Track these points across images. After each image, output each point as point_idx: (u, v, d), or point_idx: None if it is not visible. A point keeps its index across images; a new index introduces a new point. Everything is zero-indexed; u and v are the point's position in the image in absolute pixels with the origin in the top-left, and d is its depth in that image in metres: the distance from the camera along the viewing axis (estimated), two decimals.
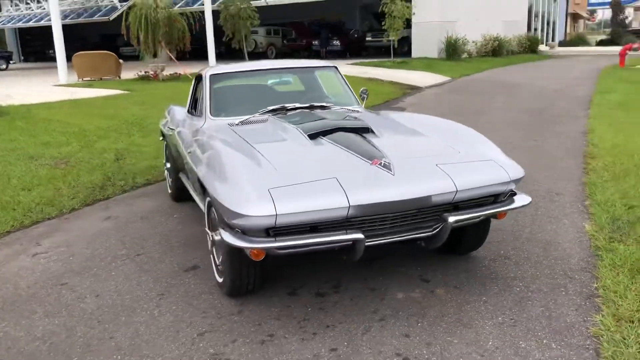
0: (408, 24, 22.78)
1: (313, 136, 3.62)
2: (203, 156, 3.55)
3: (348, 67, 20.22)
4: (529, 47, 28.29)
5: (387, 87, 15.46)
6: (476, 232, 3.68)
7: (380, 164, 3.14)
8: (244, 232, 2.94)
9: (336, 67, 5.01)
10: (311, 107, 4.46)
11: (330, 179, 2.99)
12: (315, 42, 29.64)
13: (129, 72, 18.86)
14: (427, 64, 21.48)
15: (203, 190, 3.61)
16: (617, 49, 30.33)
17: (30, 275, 3.93)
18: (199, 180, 3.56)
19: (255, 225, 2.83)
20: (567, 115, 10.15)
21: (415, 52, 24.02)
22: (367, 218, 3.00)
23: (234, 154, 3.35)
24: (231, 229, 2.99)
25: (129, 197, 5.86)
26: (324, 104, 4.53)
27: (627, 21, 40.48)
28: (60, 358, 2.87)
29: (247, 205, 2.82)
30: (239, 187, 2.95)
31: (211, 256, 3.63)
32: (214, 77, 4.62)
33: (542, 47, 30.33)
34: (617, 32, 38.47)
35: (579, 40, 36.51)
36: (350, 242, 2.93)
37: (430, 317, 3.10)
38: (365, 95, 5.05)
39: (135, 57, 23.00)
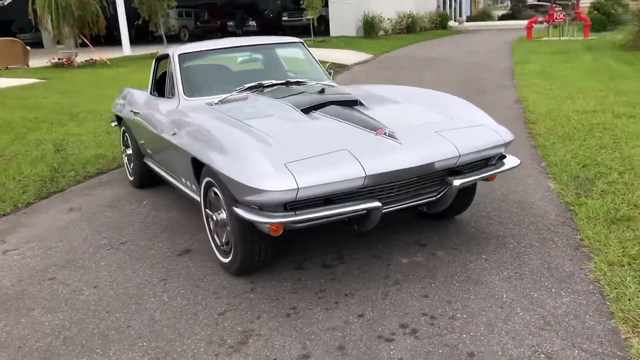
0: (325, 2, 22.87)
1: (306, 110, 3.62)
2: (196, 135, 3.46)
3: None
4: (440, 23, 29.22)
5: None
6: (465, 196, 3.83)
7: (385, 133, 3.20)
8: (260, 208, 2.91)
9: (302, 43, 5.00)
10: (287, 83, 4.43)
11: (341, 150, 3.02)
12: (231, 23, 29.17)
13: (36, 60, 17.78)
14: (347, 42, 21.71)
15: (196, 171, 3.53)
16: (519, 22, 32.02)
17: (9, 273, 3.70)
18: (193, 160, 3.47)
19: (276, 200, 2.82)
20: (496, 85, 10.64)
21: (334, 31, 24.19)
22: (378, 187, 3.06)
23: (233, 129, 3.31)
24: (245, 206, 2.96)
25: (85, 187, 5.61)
26: (299, 80, 4.52)
27: None
28: (81, 351, 2.75)
29: (267, 180, 2.79)
30: (253, 162, 2.91)
31: (211, 237, 3.57)
32: (183, 57, 4.48)
33: (452, 23, 31.41)
34: (517, 7, 40.50)
35: (484, 15, 38.13)
36: (366, 212, 2.97)
37: (441, 278, 3.22)
38: (331, 71, 5.08)
39: (33, 45, 21.68)
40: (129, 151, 5.40)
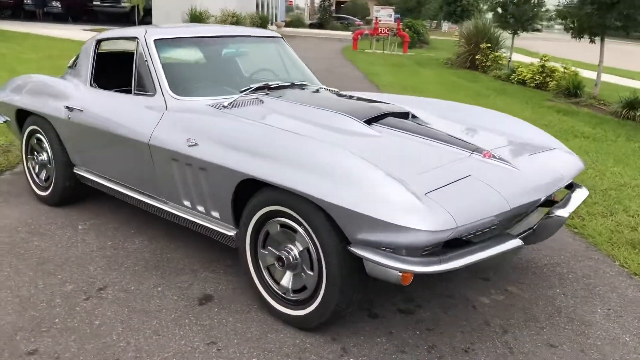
0: None
1: (367, 122, 3.03)
2: (256, 150, 2.65)
3: (86, 34, 18.05)
4: (261, 25, 29.01)
5: None
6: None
7: (493, 156, 2.76)
8: (394, 251, 2.29)
9: (283, 38, 4.29)
10: (293, 85, 3.74)
11: (466, 177, 2.52)
12: (29, 1, 25.60)
13: None
14: None
15: (235, 197, 2.74)
16: (331, 32, 33.37)
17: None
18: (240, 182, 2.66)
19: (423, 242, 2.23)
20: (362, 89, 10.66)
21: (157, 22, 22.54)
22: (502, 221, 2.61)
23: (328, 145, 2.58)
24: (367, 246, 2.31)
25: None
26: (303, 82, 3.85)
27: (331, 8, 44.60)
28: None
29: (415, 216, 2.19)
30: (387, 191, 2.27)
31: (263, 282, 2.79)
32: (160, 44, 3.51)
33: (270, 27, 31.39)
34: (325, 18, 42.21)
35: (298, 22, 38.97)
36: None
37: (542, 320, 2.89)
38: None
39: None
40: (43, 158, 4.15)
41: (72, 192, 4.10)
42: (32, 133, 4.22)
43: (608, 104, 9.19)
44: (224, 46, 3.95)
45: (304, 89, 3.74)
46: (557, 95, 10.45)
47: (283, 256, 2.61)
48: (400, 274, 2.26)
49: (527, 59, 15.52)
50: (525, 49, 16.17)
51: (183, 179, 3.03)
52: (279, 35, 4.24)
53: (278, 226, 2.65)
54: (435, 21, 44.06)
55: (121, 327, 2.67)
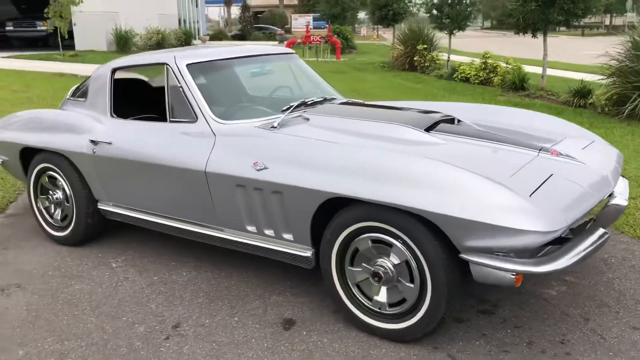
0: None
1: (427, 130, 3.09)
2: (341, 169, 2.64)
3: (9, 62, 17.24)
4: (185, 41, 28.54)
5: None
6: None
7: (559, 154, 2.89)
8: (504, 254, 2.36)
9: (296, 54, 4.29)
10: (324, 101, 3.75)
11: (551, 176, 2.63)
12: None
13: None
14: (105, 57, 19.63)
15: (319, 216, 2.73)
16: (265, 43, 33.32)
17: None
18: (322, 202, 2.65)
19: (536, 243, 2.30)
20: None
21: (80, 45, 21.74)
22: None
23: (417, 157, 2.61)
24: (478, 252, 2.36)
25: None
26: (332, 97, 3.86)
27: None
28: None
29: (527, 218, 2.27)
30: (496, 195, 2.34)
31: (353, 299, 2.79)
32: (192, 68, 3.42)
33: (195, 42, 30.97)
34: (246, 29, 42.07)
35: (220, 35, 38.60)
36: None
37: (612, 303, 3.04)
38: None
39: None
40: (58, 197, 3.94)
41: (95, 229, 3.92)
42: (43, 171, 3.99)
43: (557, 95, 9.70)
44: (250, 66, 3.90)
45: (333, 102, 3.75)
46: (504, 90, 10.92)
47: (380, 271, 2.61)
48: (514, 276, 2.32)
49: (459, 58, 16.08)
50: (453, 49, 16.65)
51: (249, 205, 2.96)
52: (293, 51, 4.22)
53: (369, 242, 2.65)
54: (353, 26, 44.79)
55: None
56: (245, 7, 42.66)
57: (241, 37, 40.88)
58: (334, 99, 3.85)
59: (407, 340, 2.67)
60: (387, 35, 53.75)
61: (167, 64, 3.42)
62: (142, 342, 2.76)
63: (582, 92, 8.89)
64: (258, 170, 2.87)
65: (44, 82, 13.30)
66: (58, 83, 13.40)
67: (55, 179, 3.94)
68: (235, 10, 51.49)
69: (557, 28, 9.87)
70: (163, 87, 3.43)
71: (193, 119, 3.27)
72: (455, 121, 3.38)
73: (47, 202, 4.02)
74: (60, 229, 4.00)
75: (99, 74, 3.85)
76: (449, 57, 14.50)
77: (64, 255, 3.84)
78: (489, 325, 2.83)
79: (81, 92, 4.06)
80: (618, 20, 58.65)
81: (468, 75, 12.63)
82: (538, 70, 12.01)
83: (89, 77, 4.02)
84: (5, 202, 4.93)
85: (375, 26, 61.31)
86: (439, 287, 2.48)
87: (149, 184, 3.42)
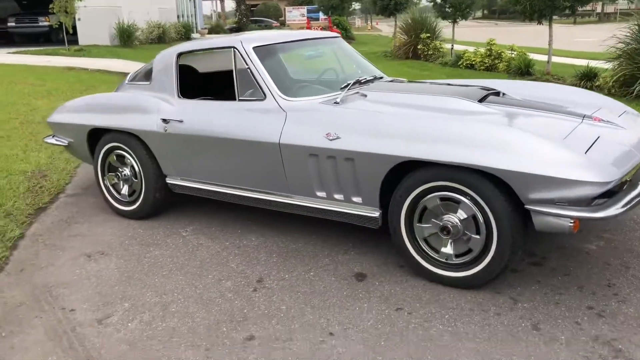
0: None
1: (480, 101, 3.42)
2: (411, 135, 2.96)
3: (16, 57, 17.42)
4: (185, 34, 28.72)
5: (103, 77, 13.88)
6: None
7: (601, 120, 3.23)
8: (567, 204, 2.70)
9: (341, 37, 4.61)
10: (374, 79, 4.08)
11: (598, 138, 2.97)
12: None
13: None
14: (110, 52, 19.98)
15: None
16: None
17: None
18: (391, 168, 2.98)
19: (590, 194, 2.65)
20: None
21: (83, 40, 21.88)
22: None
23: (487, 123, 2.96)
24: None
25: (55, 226, 4.22)
26: (381, 76, 4.20)
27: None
28: None
29: (585, 171, 2.61)
30: (556, 153, 2.67)
31: (421, 253, 3.11)
32: (258, 50, 3.74)
33: (194, 35, 31.13)
34: (242, 21, 42.21)
35: (218, 28, 38.74)
36: None
37: None
38: None
39: None
40: (126, 173, 4.25)
41: (161, 203, 4.23)
42: (110, 150, 4.30)
43: (564, 79, 10.05)
44: (305, 49, 4.22)
45: (385, 81, 4.08)
46: (510, 76, 11.27)
47: (448, 225, 2.95)
48: (572, 222, 2.66)
49: (459, 47, 16.40)
50: (450, 38, 16.95)
51: (320, 172, 3.29)
52: (339, 35, 4.54)
53: (438, 200, 2.98)
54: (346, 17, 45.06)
55: (309, 308, 2.92)
56: (240, 0, 42.76)
57: (238, 29, 41.00)
58: (382, 77, 4.17)
59: (473, 287, 3.01)
60: (381, 26, 54.05)
61: (234, 48, 3.73)
62: (233, 294, 3.09)
63: (589, 75, 9.23)
64: (331, 140, 3.19)
65: (56, 76, 13.52)
66: (70, 77, 13.64)
67: (124, 157, 4.24)
68: (228, 4, 51.60)
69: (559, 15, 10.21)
70: (219, 71, 3.73)
71: (261, 97, 3.59)
72: (501, 94, 3.71)
73: (115, 179, 4.33)
74: (128, 203, 4.31)
75: (164, 59, 4.14)
76: (452, 45, 14.82)
77: (135, 227, 4.15)
78: (540, 274, 3.18)
79: (143, 76, 4.35)
80: (609, 8, 59.06)
81: (473, 62, 12.97)
82: (539, 57, 12.37)
83: (151, 62, 4.32)
84: (62, 184, 5.23)
85: (369, 17, 61.53)
86: (504, 237, 2.82)
87: (220, 158, 3.73)
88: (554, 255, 3.40)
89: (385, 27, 49.90)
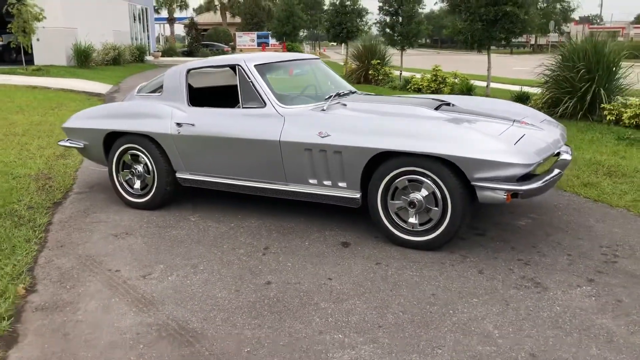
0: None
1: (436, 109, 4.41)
2: (390, 131, 3.87)
3: None
4: (139, 57, 29.25)
5: (69, 95, 14.37)
6: None
7: (526, 123, 4.27)
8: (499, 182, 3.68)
9: (319, 58, 5.55)
10: (350, 93, 5.02)
11: (524, 135, 4.00)
12: None
13: None
14: (68, 72, 20.32)
15: (367, 166, 3.98)
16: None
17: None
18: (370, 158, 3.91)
19: (517, 173, 3.63)
20: None
21: (40, 59, 22.10)
22: None
23: (447, 121, 3.95)
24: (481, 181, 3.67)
25: (72, 217, 4.94)
26: (355, 90, 5.15)
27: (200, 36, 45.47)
28: None
29: (513, 157, 3.60)
30: (495, 143, 3.66)
31: (393, 223, 4.02)
32: (260, 68, 4.62)
33: (147, 57, 31.63)
34: (193, 45, 42.98)
35: (171, 52, 39.32)
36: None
37: (556, 231, 4.42)
38: None
39: None
40: (140, 170, 5.02)
41: (170, 195, 5.01)
42: (125, 151, 5.06)
43: None
44: (294, 67, 5.13)
45: (359, 94, 5.03)
46: None
47: (415, 200, 3.89)
48: (505, 195, 3.64)
49: (407, 73, 17.69)
50: (396, 65, 18.21)
51: (313, 163, 4.17)
52: (318, 57, 5.48)
53: (406, 181, 3.92)
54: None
55: (309, 264, 3.78)
56: (192, 25, 43.50)
57: (189, 53, 41.69)
58: (355, 92, 5.13)
59: (433, 248, 3.94)
60: (328, 53, 55.76)
61: (238, 65, 4.60)
62: (247, 257, 3.92)
63: (522, 98, 10.53)
64: (322, 137, 4.09)
65: (22, 94, 13.91)
66: (36, 94, 14.08)
67: (138, 156, 5.01)
68: (178, 28, 52.29)
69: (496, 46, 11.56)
70: (223, 85, 4.59)
71: (262, 105, 4.46)
72: (451, 105, 4.71)
73: (129, 175, 5.08)
74: (140, 196, 5.06)
75: (175, 74, 4.96)
76: (401, 71, 16.07)
77: (147, 215, 4.91)
78: (483, 240, 4.15)
79: (153, 88, 5.16)
80: (541, 40, 62.98)
81: (420, 86, 14.19)
82: (480, 83, 13.73)
83: (161, 76, 5.12)
84: (68, 184, 5.91)
85: (315, 43, 63.27)
86: (457, 208, 3.77)
87: (226, 154, 4.56)
88: (493, 228, 4.39)
89: (332, 54, 51.59)
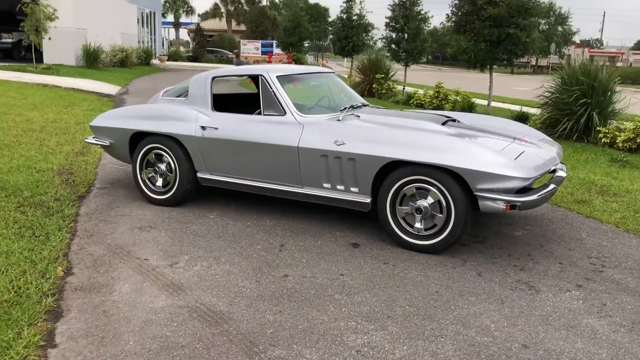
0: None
1: (443, 124, 4.77)
2: (402, 142, 4.21)
3: None
4: (145, 60, 29.67)
5: (80, 95, 14.72)
6: None
7: (526, 141, 4.64)
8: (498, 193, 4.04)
9: (334, 72, 5.92)
10: (363, 106, 5.39)
11: (523, 152, 4.36)
12: None
13: None
14: (77, 72, 20.66)
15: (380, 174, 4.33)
16: (205, 65, 34.65)
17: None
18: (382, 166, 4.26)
19: (516, 186, 3.99)
20: None
21: (49, 58, 22.48)
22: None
23: (453, 135, 4.28)
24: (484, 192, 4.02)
25: (98, 210, 5.27)
26: (365, 103, 5.51)
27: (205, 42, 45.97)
28: None
29: (512, 170, 3.96)
30: (496, 157, 4.02)
31: (400, 227, 4.36)
32: (280, 78, 4.99)
33: (154, 61, 32.05)
34: (198, 51, 43.43)
35: (176, 56, 39.82)
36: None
37: (548, 242, 4.77)
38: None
39: None
40: (163, 168, 5.35)
41: (190, 193, 5.35)
42: (149, 150, 5.40)
43: None
44: (311, 79, 5.50)
45: (370, 107, 5.39)
46: None
47: (421, 207, 4.24)
48: (504, 205, 3.99)
49: (409, 88, 18.13)
50: (399, 80, 18.65)
51: (328, 169, 4.52)
52: (333, 71, 5.85)
53: (414, 189, 4.27)
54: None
55: (322, 261, 4.12)
56: (198, 30, 43.98)
57: (195, 59, 42.17)
58: (367, 105, 5.49)
59: (436, 252, 4.29)
60: (330, 64, 56.36)
61: (262, 75, 4.96)
62: (264, 252, 4.26)
63: (522, 118, 10.92)
64: (338, 145, 4.45)
65: (34, 91, 14.24)
66: (48, 92, 14.40)
67: (162, 155, 5.35)
68: (181, 33, 52.78)
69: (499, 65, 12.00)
70: (241, 93, 4.95)
71: (282, 113, 4.82)
72: (456, 121, 5.08)
73: (152, 173, 5.42)
74: (162, 193, 5.39)
75: (199, 81, 5.31)
76: (404, 86, 16.49)
77: (169, 211, 5.24)
78: (482, 247, 4.50)
79: (178, 93, 5.51)
80: (542, 61, 63.74)
81: (422, 102, 14.59)
82: (481, 101, 14.14)
83: (186, 82, 5.48)
84: (90, 179, 6.24)
85: (318, 54, 63.92)
86: (459, 216, 4.12)
87: (246, 157, 4.91)
88: (492, 237, 4.74)
89: (334, 66, 52.10)
